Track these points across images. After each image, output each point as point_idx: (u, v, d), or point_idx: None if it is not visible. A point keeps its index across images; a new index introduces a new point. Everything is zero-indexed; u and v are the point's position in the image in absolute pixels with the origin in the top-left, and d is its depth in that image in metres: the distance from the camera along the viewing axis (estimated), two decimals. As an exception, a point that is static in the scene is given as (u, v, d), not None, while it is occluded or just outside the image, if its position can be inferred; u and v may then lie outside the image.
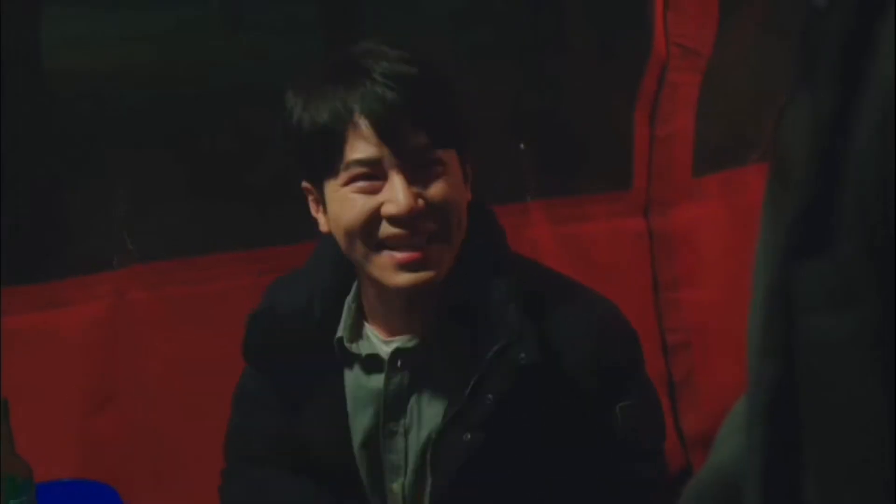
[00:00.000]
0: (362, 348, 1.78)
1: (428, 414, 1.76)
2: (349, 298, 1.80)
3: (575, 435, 1.71)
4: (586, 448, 1.72)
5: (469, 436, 1.70)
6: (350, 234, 1.67)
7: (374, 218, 1.65)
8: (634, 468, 1.74)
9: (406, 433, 1.78)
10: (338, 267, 1.80)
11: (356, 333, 1.79)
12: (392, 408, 1.77)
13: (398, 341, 1.76)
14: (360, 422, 1.80)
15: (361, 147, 1.64)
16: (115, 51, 2.90)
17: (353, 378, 1.80)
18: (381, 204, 1.65)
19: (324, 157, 1.67)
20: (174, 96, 2.87)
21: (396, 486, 1.80)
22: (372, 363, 1.77)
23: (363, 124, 1.63)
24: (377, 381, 1.78)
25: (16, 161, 2.45)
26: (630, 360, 1.76)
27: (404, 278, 1.66)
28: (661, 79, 2.60)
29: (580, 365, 1.69)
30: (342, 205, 1.67)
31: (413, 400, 1.77)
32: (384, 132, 1.63)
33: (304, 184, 1.75)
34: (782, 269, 0.80)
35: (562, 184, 2.77)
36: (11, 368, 2.16)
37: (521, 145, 2.67)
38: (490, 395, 1.67)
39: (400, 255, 1.66)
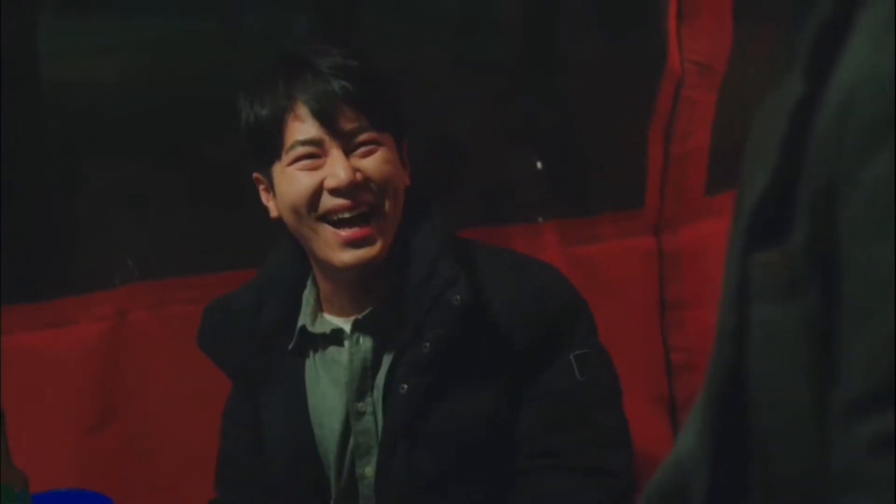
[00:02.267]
0: (326, 326, 1.87)
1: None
2: (306, 293, 1.92)
3: (529, 387, 1.80)
4: (541, 401, 1.80)
5: (405, 386, 1.76)
6: (296, 209, 1.82)
7: (318, 191, 1.81)
8: (597, 417, 1.82)
9: (374, 412, 1.82)
10: (289, 269, 1.94)
11: (314, 320, 1.89)
12: (358, 386, 1.83)
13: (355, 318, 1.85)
14: (334, 405, 1.86)
15: (302, 129, 1.81)
16: (115, 60, 2.86)
17: (325, 358, 1.88)
18: (324, 179, 1.80)
19: (270, 143, 1.84)
20: (174, 106, 2.83)
21: (369, 470, 1.83)
22: (338, 337, 1.86)
23: (303, 110, 1.80)
24: (346, 354, 1.86)
25: (15, 176, 2.43)
26: (572, 313, 1.85)
27: (349, 255, 1.79)
28: (676, 96, 2.56)
29: (519, 312, 1.80)
30: (289, 183, 1.82)
31: (379, 377, 1.83)
32: (323, 115, 1.80)
33: (255, 174, 1.90)
34: (742, 256, 0.81)
35: (573, 204, 2.75)
36: (11, 387, 2.14)
37: (538, 164, 2.65)
38: (427, 343, 1.75)
39: (345, 233, 1.79)
